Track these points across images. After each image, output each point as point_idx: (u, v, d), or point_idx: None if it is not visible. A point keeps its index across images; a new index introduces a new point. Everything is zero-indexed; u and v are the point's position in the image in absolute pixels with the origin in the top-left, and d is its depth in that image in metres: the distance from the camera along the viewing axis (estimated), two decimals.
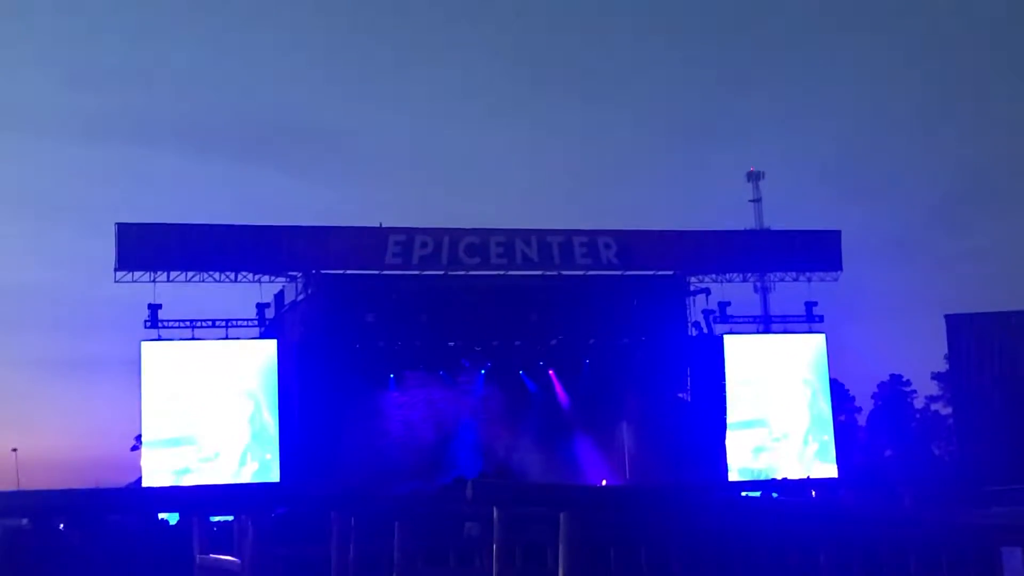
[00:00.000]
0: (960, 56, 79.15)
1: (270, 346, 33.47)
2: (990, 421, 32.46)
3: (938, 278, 72.92)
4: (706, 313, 36.86)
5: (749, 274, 38.94)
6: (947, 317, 35.14)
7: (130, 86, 79.62)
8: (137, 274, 33.40)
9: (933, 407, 61.06)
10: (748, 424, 35.63)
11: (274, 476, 31.45)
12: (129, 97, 78.92)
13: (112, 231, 33.23)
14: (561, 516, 4.53)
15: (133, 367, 32.93)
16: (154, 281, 33.44)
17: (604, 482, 34.17)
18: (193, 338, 33.63)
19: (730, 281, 37.81)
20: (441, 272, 34.89)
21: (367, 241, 34.68)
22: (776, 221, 47.04)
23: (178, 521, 11.14)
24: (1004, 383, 32.58)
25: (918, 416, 62.45)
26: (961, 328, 34.23)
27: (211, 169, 78.89)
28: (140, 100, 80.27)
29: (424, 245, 34.56)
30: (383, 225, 35.33)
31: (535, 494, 5.08)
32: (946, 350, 37.46)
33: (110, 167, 77.58)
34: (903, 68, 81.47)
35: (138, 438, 35.34)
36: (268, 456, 32.28)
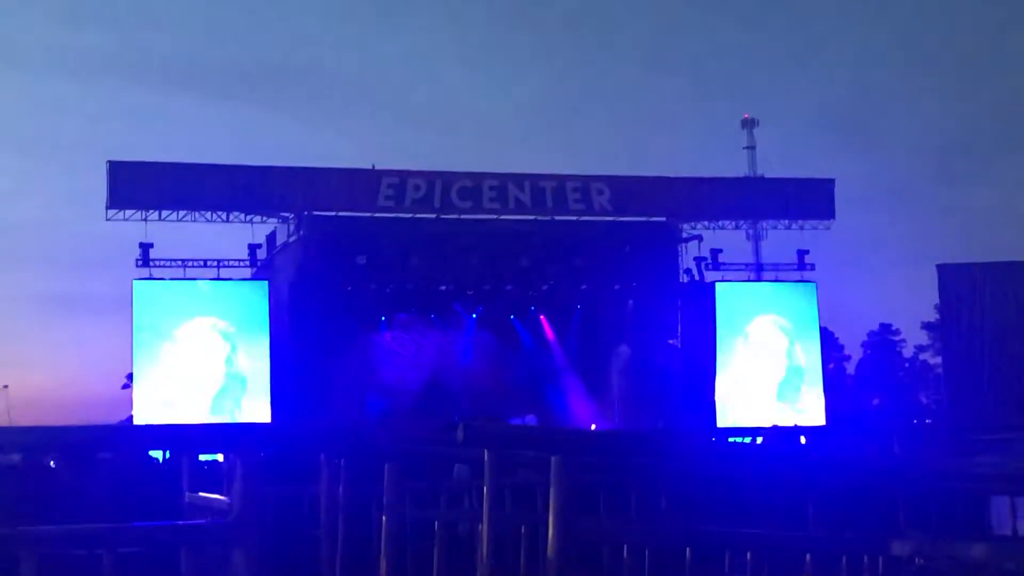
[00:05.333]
0: (961, 4, 78.74)
1: (259, 288, 33.40)
2: (979, 371, 32.57)
3: (931, 228, 73.08)
4: (698, 260, 36.82)
5: (741, 221, 38.86)
6: (939, 267, 35.13)
7: (124, 24, 79.05)
8: (128, 212, 33.27)
9: (922, 356, 61.38)
10: (736, 371, 35.71)
11: (258, 418, 31.40)
12: (123, 35, 78.39)
13: (104, 169, 33.06)
14: (552, 459, 4.51)
15: (124, 305, 32.92)
16: (146, 220, 33.33)
17: (593, 427, 34.33)
18: (184, 278, 33.55)
19: (722, 228, 37.76)
20: (433, 215, 34.78)
21: (360, 183, 34.54)
22: (770, 169, 46.95)
23: (168, 459, 11.13)
24: (994, 333, 32.65)
25: (906, 365, 62.74)
26: (953, 278, 34.23)
27: (204, 108, 78.56)
28: (134, 38, 79.72)
29: (417, 188, 34.43)
30: (376, 167, 35.17)
31: (526, 436, 5.06)
32: (937, 300, 37.52)
33: (103, 105, 77.24)
34: (902, 15, 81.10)
35: (129, 376, 35.37)
36: (246, 400, 32.22)
